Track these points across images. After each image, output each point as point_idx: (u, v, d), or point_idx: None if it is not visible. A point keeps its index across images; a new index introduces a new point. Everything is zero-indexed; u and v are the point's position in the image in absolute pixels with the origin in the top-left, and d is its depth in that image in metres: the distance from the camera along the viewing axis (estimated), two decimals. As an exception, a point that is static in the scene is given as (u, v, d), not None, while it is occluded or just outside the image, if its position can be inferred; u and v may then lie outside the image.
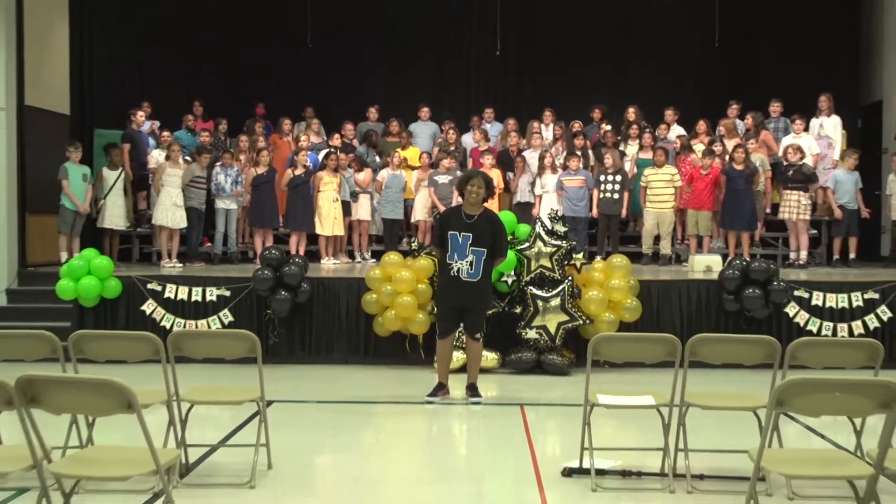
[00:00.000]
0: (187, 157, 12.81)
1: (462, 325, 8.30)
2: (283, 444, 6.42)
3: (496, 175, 12.51)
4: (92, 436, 5.84)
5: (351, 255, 13.09)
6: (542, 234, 9.93)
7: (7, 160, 11.84)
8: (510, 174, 13.01)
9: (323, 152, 13.17)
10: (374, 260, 12.38)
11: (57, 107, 13.39)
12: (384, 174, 12.95)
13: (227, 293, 10.36)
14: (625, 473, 5.79)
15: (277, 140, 13.90)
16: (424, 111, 14.77)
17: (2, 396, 4.01)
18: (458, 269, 7.72)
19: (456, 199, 12.48)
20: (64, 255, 11.75)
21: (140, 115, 13.74)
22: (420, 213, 12.77)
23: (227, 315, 10.31)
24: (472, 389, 8.14)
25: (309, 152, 13.02)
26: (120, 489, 5.29)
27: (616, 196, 12.57)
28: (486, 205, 8.04)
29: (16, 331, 6.24)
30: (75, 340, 5.78)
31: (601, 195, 12.58)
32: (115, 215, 12.54)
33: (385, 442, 7.26)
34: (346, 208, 12.72)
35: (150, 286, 10.39)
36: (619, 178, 12.59)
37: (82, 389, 4.16)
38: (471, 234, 7.67)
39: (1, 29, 11.70)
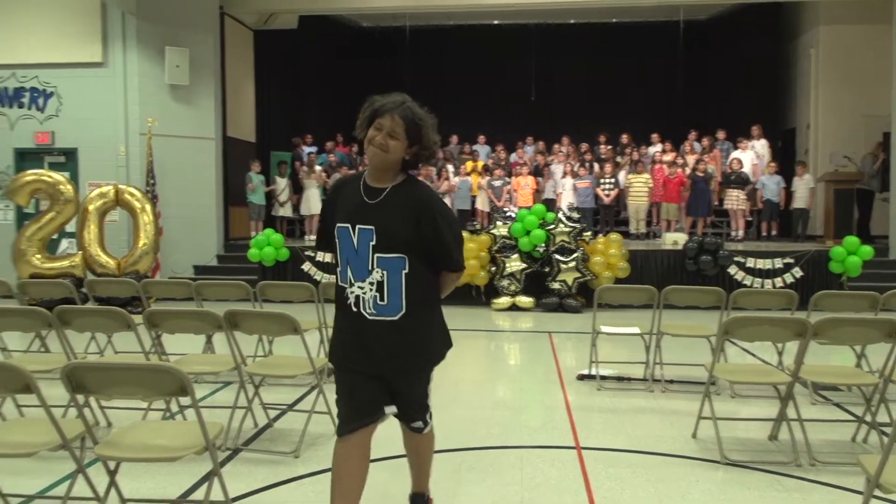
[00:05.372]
0: (328, 168, 12.98)
1: (395, 407, 2.69)
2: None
3: (530, 181, 12.37)
4: (272, 349, 5.98)
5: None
6: (563, 219, 9.79)
7: (216, 172, 12.06)
8: (540, 179, 12.84)
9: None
10: (450, 236, 12.38)
11: (246, 136, 13.55)
12: (456, 179, 12.87)
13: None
14: (619, 379, 5.71)
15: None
16: (481, 138, 14.65)
17: (215, 323, 4.11)
18: (358, 297, 2.56)
19: (492, 195, 12.45)
20: (252, 233, 11.98)
21: (304, 142, 14.02)
22: (479, 205, 12.65)
23: (356, 272, 10.38)
24: (417, 500, 3.00)
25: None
26: (291, 384, 5.40)
27: (611, 193, 12.36)
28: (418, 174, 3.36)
29: (223, 280, 6.39)
30: (261, 287, 5.88)
31: (601, 192, 12.37)
32: (284, 207, 12.75)
33: (458, 356, 7.25)
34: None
35: (307, 253, 10.53)
36: (612, 181, 12.35)
37: (265, 319, 4.22)
38: (372, 227, 2.54)
39: (211, 87, 11.88)
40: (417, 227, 2.55)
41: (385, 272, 2.55)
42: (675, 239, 10.82)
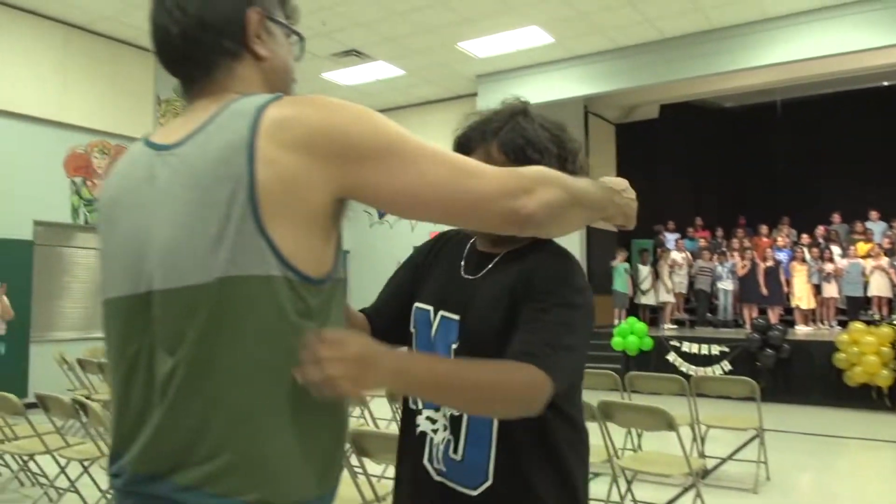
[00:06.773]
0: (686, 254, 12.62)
1: None
2: (776, 463, 5.80)
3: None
4: (640, 443, 5.86)
5: (820, 323, 11.61)
6: None
7: (581, 261, 12.45)
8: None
9: (800, 243, 12.07)
10: (839, 327, 10.86)
11: (609, 225, 13.83)
12: (844, 262, 11.35)
13: (727, 349, 9.78)
14: None
15: (757, 240, 13.01)
16: (874, 213, 12.70)
17: (589, 412, 4.20)
18: (424, 435, 1.36)
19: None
20: (616, 321, 12.09)
21: (666, 228, 13.94)
22: (876, 290, 10.88)
23: (726, 364, 9.71)
24: None
25: (781, 248, 12.02)
26: (661, 482, 5.20)
27: None
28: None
29: (592, 370, 6.53)
30: (630, 378, 5.86)
31: None
32: (646, 296, 12.68)
33: (857, 469, 6.23)
34: (817, 288, 11.35)
35: (672, 342, 10.22)
36: None
37: (639, 412, 4.18)
38: (457, 318, 1.35)
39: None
40: (513, 317, 1.29)
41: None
42: None
